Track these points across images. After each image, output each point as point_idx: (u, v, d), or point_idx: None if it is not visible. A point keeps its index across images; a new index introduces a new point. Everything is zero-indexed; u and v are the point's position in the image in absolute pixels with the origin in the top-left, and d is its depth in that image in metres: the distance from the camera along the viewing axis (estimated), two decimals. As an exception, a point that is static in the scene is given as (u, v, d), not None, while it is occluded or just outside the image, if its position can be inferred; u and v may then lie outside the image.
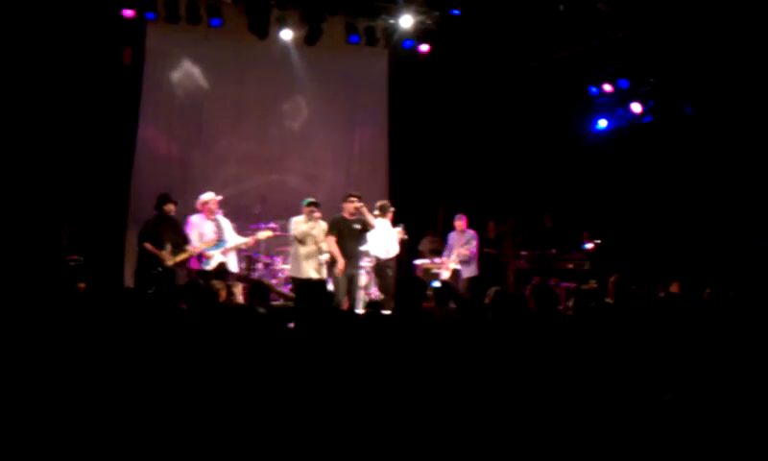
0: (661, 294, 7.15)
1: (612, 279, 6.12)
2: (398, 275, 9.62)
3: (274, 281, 9.68)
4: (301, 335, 3.90)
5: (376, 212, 9.14)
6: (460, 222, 10.23)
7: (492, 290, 5.04)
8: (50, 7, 9.64)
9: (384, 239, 9.20)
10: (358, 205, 8.41)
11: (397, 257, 9.54)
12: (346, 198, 8.57)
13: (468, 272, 10.13)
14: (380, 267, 9.24)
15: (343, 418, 2.91)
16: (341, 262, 8.23)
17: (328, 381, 3.11)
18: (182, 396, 2.96)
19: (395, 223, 9.40)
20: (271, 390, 2.98)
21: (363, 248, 9.01)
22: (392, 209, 9.34)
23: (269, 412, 2.86)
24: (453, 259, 10.11)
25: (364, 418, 2.93)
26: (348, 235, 8.40)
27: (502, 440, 2.96)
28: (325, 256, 8.57)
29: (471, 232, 10.26)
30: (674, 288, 7.75)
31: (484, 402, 3.11)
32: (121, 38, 10.27)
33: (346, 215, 8.46)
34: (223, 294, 5.65)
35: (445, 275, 10.07)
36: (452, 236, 10.34)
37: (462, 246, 10.07)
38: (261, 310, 3.65)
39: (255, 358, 3.17)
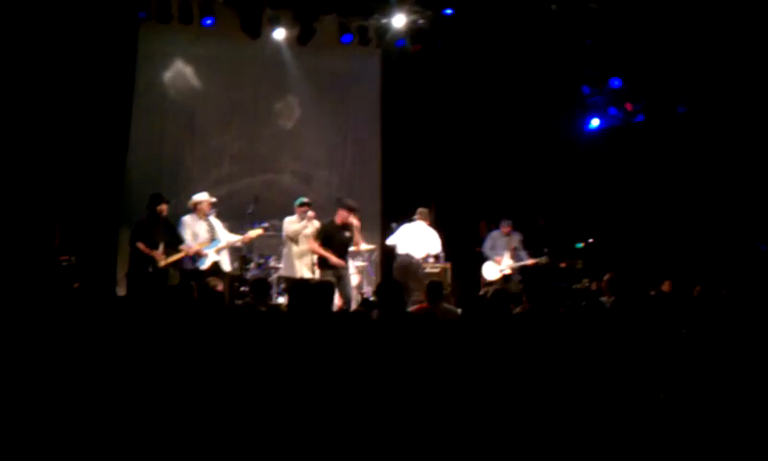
0: (652, 293, 7.18)
1: (606, 277, 6.15)
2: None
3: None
4: (295, 334, 3.89)
5: (416, 216, 9.64)
6: (507, 228, 10.33)
7: (491, 289, 5.05)
8: (43, 7, 9.58)
9: (421, 240, 9.56)
10: (354, 222, 8.26)
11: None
12: (344, 205, 8.33)
13: (517, 277, 10.33)
14: (411, 266, 9.39)
15: (337, 417, 2.91)
16: (333, 258, 8.09)
17: (320, 380, 3.11)
18: (180, 395, 2.95)
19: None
20: (266, 389, 2.97)
21: (396, 246, 9.54)
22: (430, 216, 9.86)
23: (265, 411, 2.86)
24: (509, 265, 10.22)
25: (358, 416, 2.93)
26: (337, 242, 8.19)
27: (495, 439, 2.96)
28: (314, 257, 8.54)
29: (518, 237, 10.42)
30: (665, 287, 7.79)
31: (481, 401, 3.12)
32: (113, 38, 10.23)
33: (337, 221, 8.25)
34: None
35: (495, 275, 10.24)
36: (496, 237, 10.39)
37: (513, 249, 10.25)
38: (263, 309, 3.64)
39: (253, 356, 3.16)
